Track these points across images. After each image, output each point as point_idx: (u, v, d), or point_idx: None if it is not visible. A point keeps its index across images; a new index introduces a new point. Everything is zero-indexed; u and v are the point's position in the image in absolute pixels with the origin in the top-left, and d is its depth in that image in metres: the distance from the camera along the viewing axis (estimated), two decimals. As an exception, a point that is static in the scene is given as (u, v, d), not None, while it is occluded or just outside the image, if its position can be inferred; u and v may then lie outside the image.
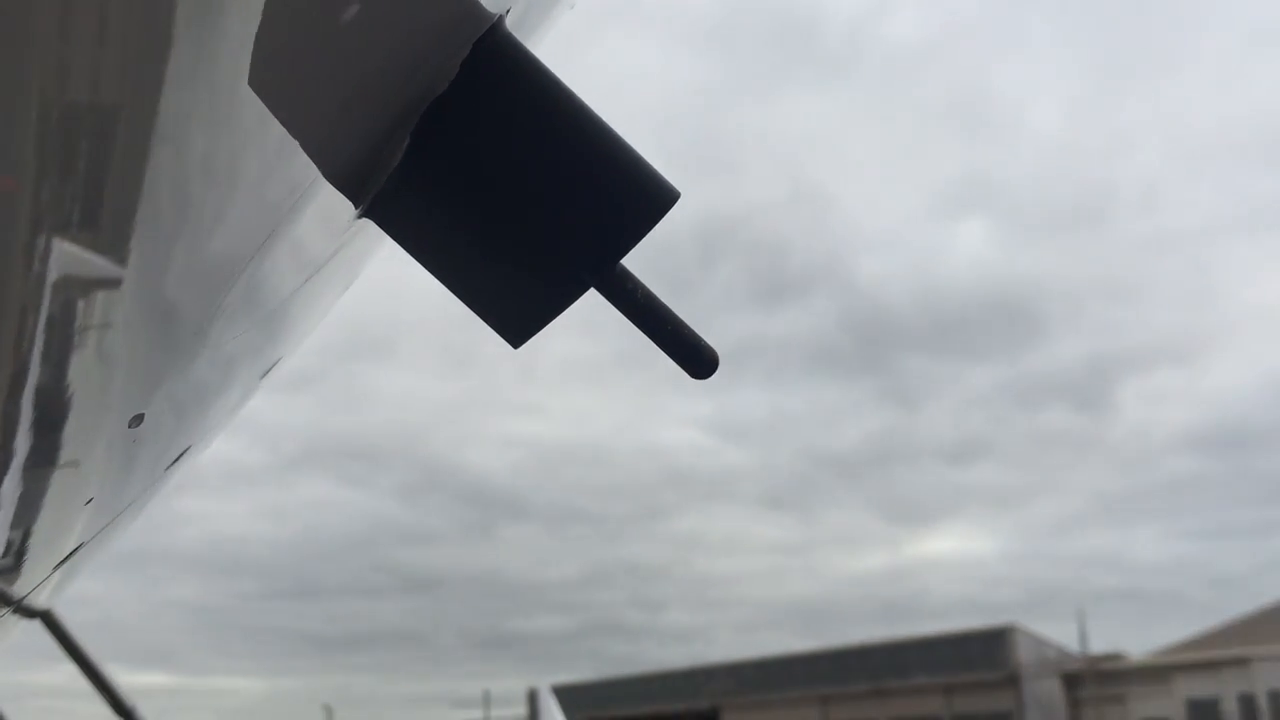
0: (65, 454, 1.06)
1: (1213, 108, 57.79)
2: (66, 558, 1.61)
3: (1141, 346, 54.59)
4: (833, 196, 61.69)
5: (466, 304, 0.95)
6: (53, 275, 0.75)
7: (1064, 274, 55.26)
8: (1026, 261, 57.02)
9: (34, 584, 1.73)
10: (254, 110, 0.73)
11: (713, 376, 0.96)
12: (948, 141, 59.16)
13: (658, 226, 0.91)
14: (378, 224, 0.93)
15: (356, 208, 0.91)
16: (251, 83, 0.72)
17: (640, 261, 0.93)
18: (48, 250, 0.72)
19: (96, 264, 0.76)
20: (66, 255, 0.74)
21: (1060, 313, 55.39)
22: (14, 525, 1.22)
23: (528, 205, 0.89)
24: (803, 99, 61.68)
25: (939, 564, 57.57)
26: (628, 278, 0.93)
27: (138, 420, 1.08)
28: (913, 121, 60.37)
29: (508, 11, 0.86)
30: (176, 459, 1.44)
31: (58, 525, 1.34)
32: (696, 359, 0.95)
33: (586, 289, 0.92)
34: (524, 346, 0.97)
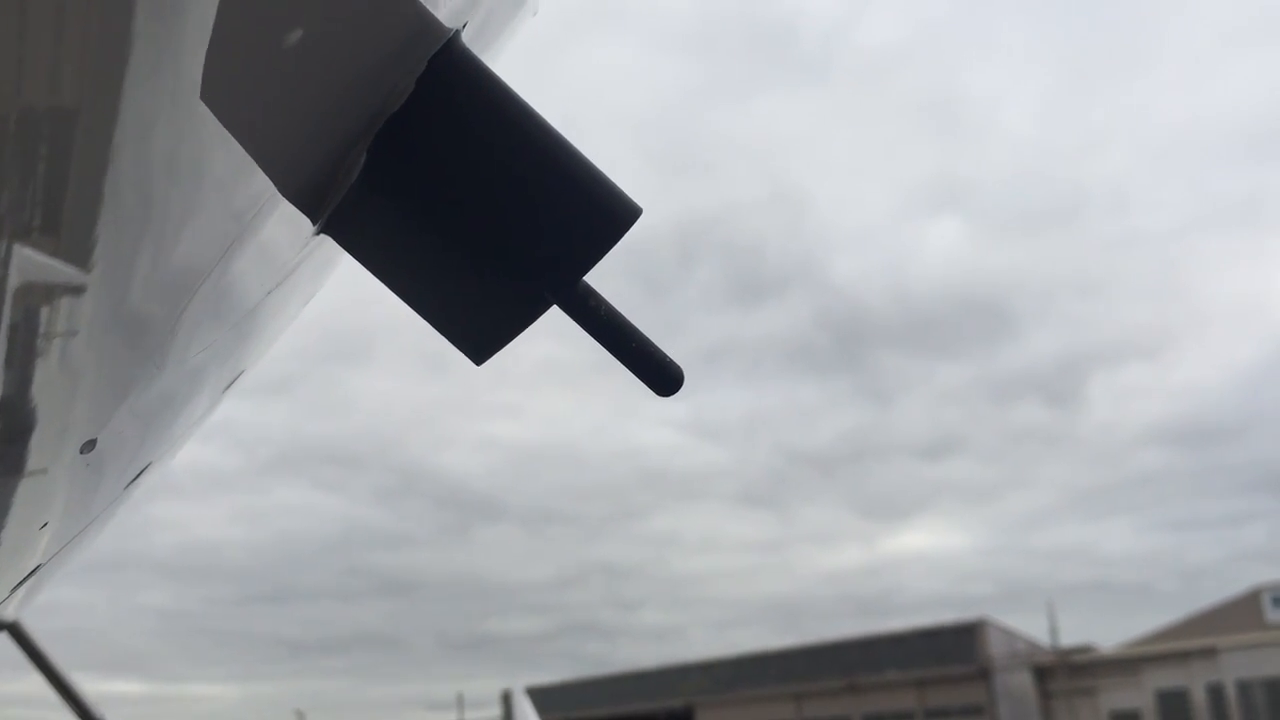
0: (26, 469, 1.04)
1: (1182, 106, 58.38)
2: (27, 576, 1.59)
3: (1112, 342, 55.13)
4: (809, 197, 61.96)
5: (427, 320, 0.94)
6: (12, 285, 0.73)
7: (1036, 271, 55.73)
8: (999, 259, 57.47)
9: None
10: (209, 125, 0.72)
11: (678, 393, 0.95)
12: (921, 142, 59.49)
13: (622, 237, 0.90)
14: (336, 240, 0.91)
15: (314, 224, 0.90)
16: (203, 97, 0.70)
17: (617, 261, 0.92)
18: (7, 258, 0.70)
19: (57, 274, 0.75)
20: (24, 264, 0.72)
21: (1032, 309, 55.89)
22: None
23: (487, 222, 0.88)
24: (779, 101, 61.88)
25: (912, 559, 57.92)
26: (590, 294, 0.92)
27: (89, 446, 1.06)
28: (887, 122, 60.68)
29: (464, 26, 0.85)
30: (137, 476, 1.42)
31: (18, 543, 1.32)
32: (661, 376, 0.94)
33: (549, 306, 0.91)
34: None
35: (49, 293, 0.77)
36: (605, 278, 0.93)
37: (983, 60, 63.91)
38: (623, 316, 0.93)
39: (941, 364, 58.19)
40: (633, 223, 0.89)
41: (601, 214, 0.88)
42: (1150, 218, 55.93)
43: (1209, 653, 30.58)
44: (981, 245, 58.23)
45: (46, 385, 0.91)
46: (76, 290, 0.78)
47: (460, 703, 40.51)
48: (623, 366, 0.94)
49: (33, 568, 1.54)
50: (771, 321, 61.46)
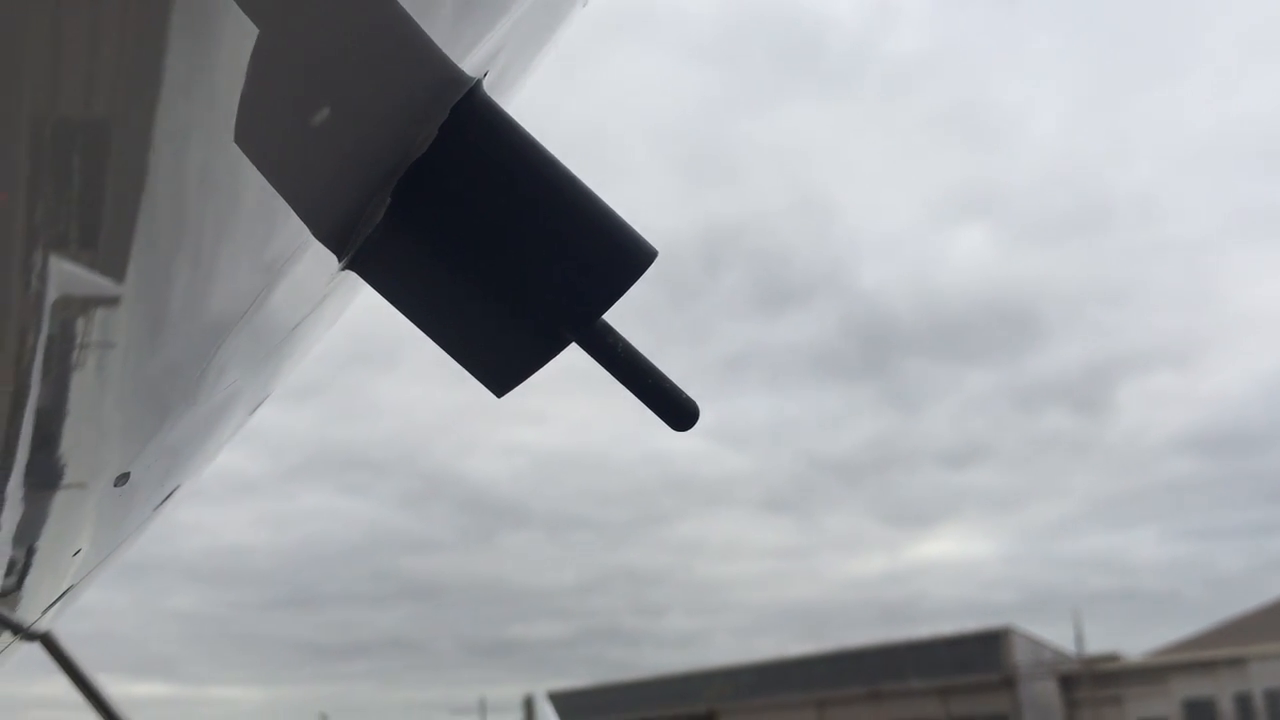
0: (61, 498, 1.07)
1: (1210, 114, 58.00)
2: (62, 595, 1.62)
3: (1139, 350, 54.77)
4: (836, 204, 61.90)
5: (449, 354, 0.96)
6: (48, 301, 0.75)
7: (1063, 278, 55.42)
8: (1026, 266, 57.16)
9: (34, 617, 1.74)
10: (242, 162, 0.74)
11: (694, 428, 0.97)
12: (949, 149, 59.30)
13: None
14: (361, 277, 0.94)
15: (340, 261, 0.93)
16: (237, 140, 0.73)
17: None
18: (44, 277, 0.72)
19: (93, 287, 0.76)
20: (64, 275, 0.74)
21: (1059, 317, 55.59)
22: (13, 557, 1.23)
23: (508, 264, 0.90)
24: (807, 109, 61.89)
25: (937, 567, 57.62)
26: (608, 332, 0.94)
27: (123, 479, 1.09)
28: (914, 130, 60.50)
29: (486, 74, 0.87)
30: (165, 499, 1.45)
31: (52, 567, 1.35)
32: (677, 411, 0.97)
33: (568, 344, 0.94)
34: None
35: (86, 309, 0.79)
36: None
37: (1011, 68, 63.72)
38: (640, 354, 0.96)
39: (968, 371, 57.97)
40: (648, 265, 0.91)
41: (619, 256, 0.91)
42: (1179, 225, 55.57)
43: (1237, 662, 30.28)
44: (1009, 252, 58.00)
45: (81, 416, 0.93)
46: (111, 309, 0.80)
47: (483, 707, 40.57)
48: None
49: (65, 589, 1.57)
50: (797, 328, 61.40)
